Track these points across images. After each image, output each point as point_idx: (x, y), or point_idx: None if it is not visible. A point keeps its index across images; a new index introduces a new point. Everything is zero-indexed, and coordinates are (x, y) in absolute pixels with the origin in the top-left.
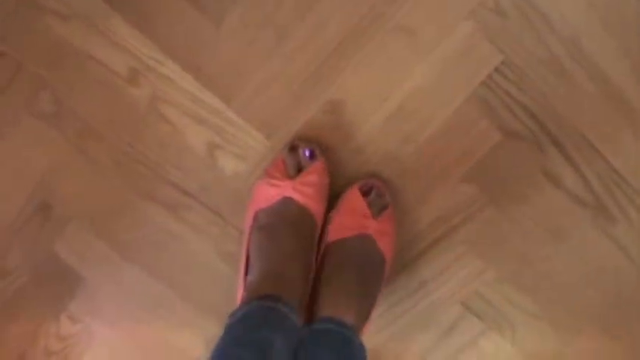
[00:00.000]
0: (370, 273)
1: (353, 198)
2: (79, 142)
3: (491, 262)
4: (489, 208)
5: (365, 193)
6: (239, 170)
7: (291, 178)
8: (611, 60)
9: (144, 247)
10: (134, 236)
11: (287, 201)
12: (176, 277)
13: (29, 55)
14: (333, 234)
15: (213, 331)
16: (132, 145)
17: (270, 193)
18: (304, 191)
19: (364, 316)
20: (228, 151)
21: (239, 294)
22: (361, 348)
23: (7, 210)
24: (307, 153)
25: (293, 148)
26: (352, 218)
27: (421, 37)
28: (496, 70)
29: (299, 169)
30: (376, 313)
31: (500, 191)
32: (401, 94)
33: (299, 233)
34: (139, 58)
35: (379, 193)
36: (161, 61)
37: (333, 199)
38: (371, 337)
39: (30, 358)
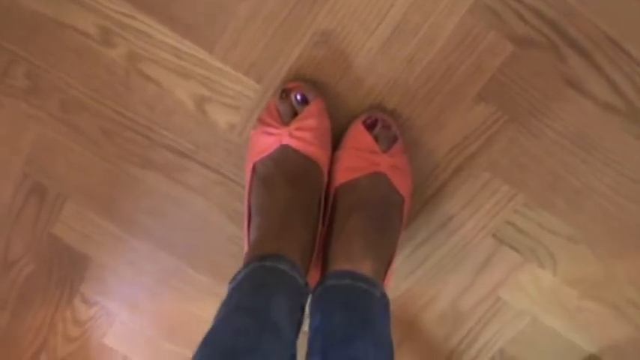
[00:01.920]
0: (387, 214)
1: (357, 134)
2: (61, 115)
3: (519, 187)
4: (510, 127)
5: (370, 127)
6: (233, 122)
7: (286, 124)
8: None
9: (147, 217)
10: (135, 207)
11: (285, 149)
12: (185, 244)
13: None
14: (341, 176)
15: None
16: (118, 111)
17: (267, 142)
18: (302, 136)
19: (384, 263)
20: (218, 103)
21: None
22: (382, 300)
23: (0, 199)
24: (299, 97)
25: (284, 93)
26: (360, 156)
27: None
28: None
29: (294, 115)
30: (399, 259)
31: (520, 107)
32: (396, 12)
33: (300, 183)
34: (109, 15)
35: (385, 124)
36: (132, 15)
37: (336, 140)
38: (397, 284)
39: (52, 346)
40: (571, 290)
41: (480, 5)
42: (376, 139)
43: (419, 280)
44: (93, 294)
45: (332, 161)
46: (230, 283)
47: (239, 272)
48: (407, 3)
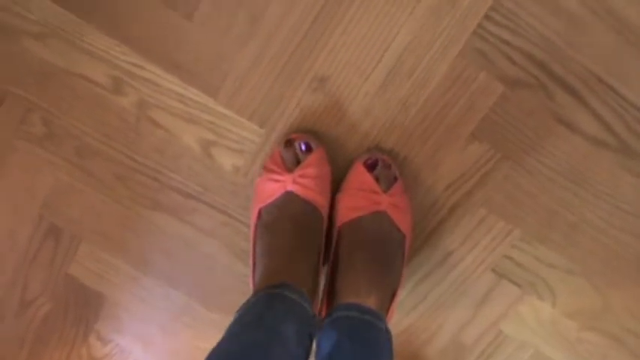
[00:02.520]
0: (390, 251)
1: (358, 175)
2: (75, 160)
3: (515, 222)
4: (504, 164)
5: (370, 168)
6: (238, 164)
7: (290, 171)
8: None
9: (158, 257)
10: (146, 247)
11: (289, 195)
12: (195, 283)
13: (11, 80)
14: (344, 215)
15: None
16: (129, 155)
17: (271, 188)
18: (305, 183)
19: (388, 298)
20: (223, 147)
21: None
22: (386, 333)
23: (18, 241)
24: (303, 146)
25: (289, 142)
26: (362, 196)
27: None
28: (486, 16)
29: (297, 163)
30: (402, 293)
31: (512, 145)
32: (389, 57)
33: (303, 227)
34: (119, 65)
35: (385, 164)
36: (141, 65)
37: (337, 183)
38: (399, 320)
39: None
40: (571, 322)
41: (470, 48)
42: (377, 179)
43: (421, 316)
44: (108, 332)
45: (335, 201)
46: (237, 311)
47: (247, 301)
48: (400, 47)
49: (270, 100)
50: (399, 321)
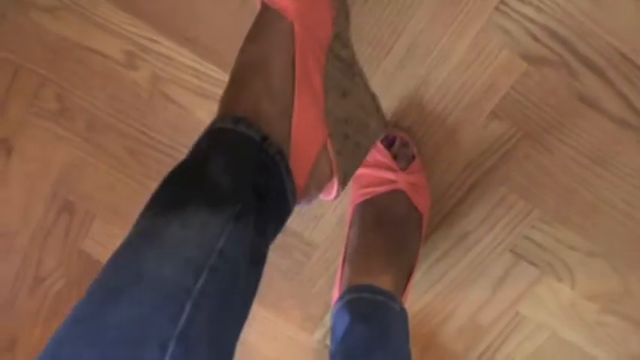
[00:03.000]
0: (406, 231)
1: (376, 152)
2: (89, 135)
3: (535, 202)
4: (525, 143)
5: (388, 146)
6: None
7: None
8: None
9: None
10: None
11: None
12: None
13: (23, 54)
14: (360, 194)
15: None
16: (142, 131)
17: None
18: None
19: (403, 278)
20: None
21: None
22: (401, 314)
23: (32, 216)
24: None
25: None
26: (379, 174)
27: None
28: None
29: None
30: (419, 273)
31: (534, 124)
32: (409, 33)
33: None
34: (133, 40)
35: (403, 142)
36: (155, 39)
37: None
38: (416, 299)
39: None
40: (590, 304)
41: (492, 24)
42: (394, 157)
43: (437, 295)
44: None
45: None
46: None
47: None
48: (421, 23)
49: None
50: (414, 301)
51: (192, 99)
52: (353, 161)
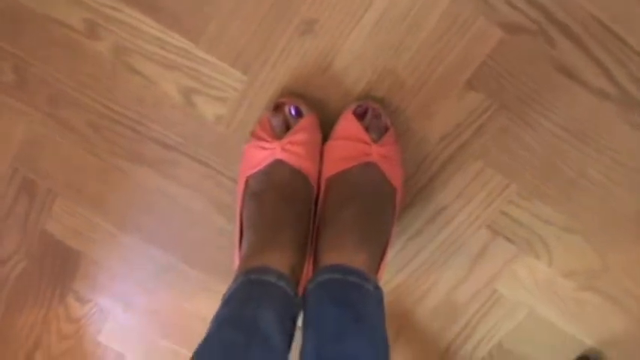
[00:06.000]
0: (379, 205)
1: (347, 124)
2: (50, 109)
3: (512, 176)
4: (501, 115)
5: (360, 116)
6: (221, 113)
7: (279, 138)
8: None
9: (137, 212)
10: (125, 203)
11: (277, 164)
12: (177, 239)
13: None
14: (332, 167)
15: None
16: (105, 104)
17: (259, 156)
18: (294, 150)
19: (377, 256)
20: (206, 95)
21: (235, 266)
22: (375, 294)
23: None
24: (293, 110)
25: (278, 107)
26: (350, 146)
27: None
28: None
29: (287, 129)
30: (393, 251)
31: (510, 95)
32: (380, 3)
33: (291, 197)
34: (94, 7)
35: (376, 114)
36: (117, 7)
37: (326, 136)
38: (390, 278)
39: (46, 344)
40: (567, 282)
41: None
42: (367, 128)
43: (412, 273)
44: (86, 291)
45: (322, 151)
46: (221, 301)
47: (229, 289)
48: None
49: (255, 45)
50: (389, 280)
51: (157, 70)
52: None
